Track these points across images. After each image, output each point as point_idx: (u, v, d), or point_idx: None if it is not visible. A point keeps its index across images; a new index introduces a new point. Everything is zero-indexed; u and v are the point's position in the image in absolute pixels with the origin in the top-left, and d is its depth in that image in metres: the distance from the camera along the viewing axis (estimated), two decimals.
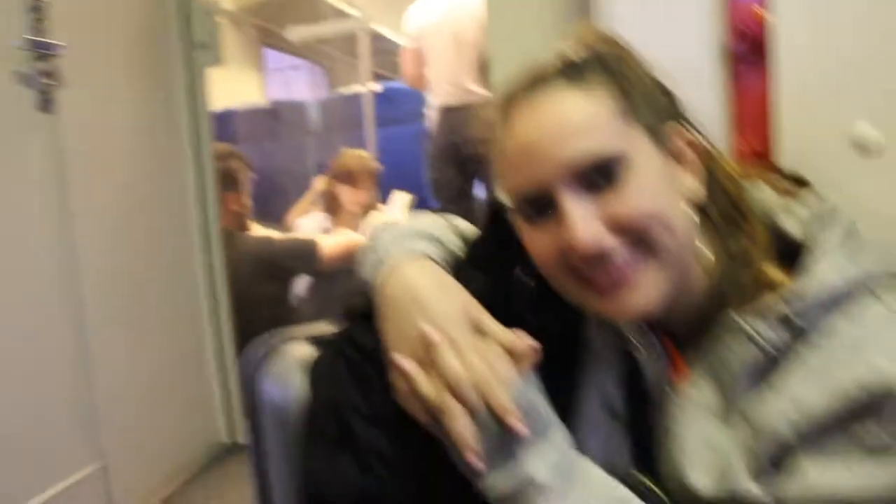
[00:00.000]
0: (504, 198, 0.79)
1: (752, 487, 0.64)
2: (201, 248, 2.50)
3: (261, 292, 2.65)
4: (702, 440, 0.70)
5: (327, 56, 5.18)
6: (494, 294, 0.78)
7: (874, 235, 0.68)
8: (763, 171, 0.81)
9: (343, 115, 4.46)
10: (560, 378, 0.82)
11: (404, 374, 0.70)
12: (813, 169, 0.80)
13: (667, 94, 0.76)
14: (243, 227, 2.80)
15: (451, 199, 3.53)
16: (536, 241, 0.72)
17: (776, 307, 0.65)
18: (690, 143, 0.75)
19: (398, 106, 4.15)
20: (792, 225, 0.73)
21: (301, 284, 2.91)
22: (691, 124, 0.76)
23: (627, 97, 0.70)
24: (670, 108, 0.75)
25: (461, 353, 0.68)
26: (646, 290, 0.69)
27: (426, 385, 0.69)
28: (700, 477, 0.69)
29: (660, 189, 0.69)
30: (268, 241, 2.74)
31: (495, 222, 0.85)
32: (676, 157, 0.73)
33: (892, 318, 0.62)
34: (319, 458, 0.81)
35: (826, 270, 0.64)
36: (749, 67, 1.03)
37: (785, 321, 0.64)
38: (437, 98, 3.50)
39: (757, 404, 0.65)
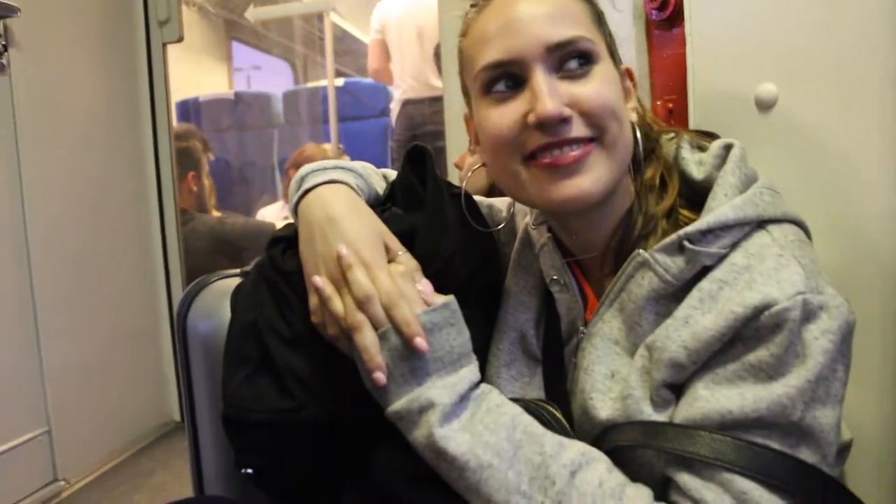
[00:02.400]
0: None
1: (650, 412, 0.68)
2: (157, 224, 2.50)
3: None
4: (608, 371, 0.74)
5: (294, 52, 5.18)
6: (410, 229, 0.81)
7: (768, 180, 0.73)
8: (679, 129, 0.86)
9: (307, 109, 4.46)
10: (479, 319, 0.86)
11: (319, 293, 0.73)
12: (719, 126, 0.86)
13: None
14: (202, 209, 2.81)
15: None
16: (501, 117, 0.73)
17: (676, 239, 0.69)
18: (634, 87, 0.80)
19: (362, 102, 4.16)
20: (697, 170, 0.78)
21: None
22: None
23: (599, 16, 0.76)
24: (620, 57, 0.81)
25: (371, 271, 0.72)
26: (596, 173, 0.71)
27: (338, 303, 0.72)
28: (603, 404, 0.73)
29: (617, 95, 0.74)
30: (222, 222, 2.75)
31: (411, 164, 0.87)
32: (625, 91, 0.78)
33: (778, 249, 0.66)
34: (239, 381, 0.83)
35: (723, 208, 0.69)
36: (664, 34, 1.09)
37: (682, 250, 0.68)
38: (399, 91, 3.51)
39: (658, 333, 0.69)
